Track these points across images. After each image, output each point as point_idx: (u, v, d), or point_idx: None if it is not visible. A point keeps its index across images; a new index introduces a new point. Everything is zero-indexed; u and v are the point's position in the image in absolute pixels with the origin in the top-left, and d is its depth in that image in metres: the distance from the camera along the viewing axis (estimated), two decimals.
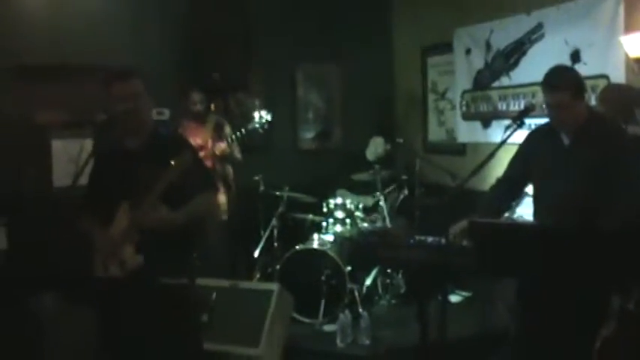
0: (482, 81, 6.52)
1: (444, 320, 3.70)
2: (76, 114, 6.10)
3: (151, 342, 3.19)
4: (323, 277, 5.53)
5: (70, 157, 5.65)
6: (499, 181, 3.88)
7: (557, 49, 5.50)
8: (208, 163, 5.39)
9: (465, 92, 6.78)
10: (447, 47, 6.95)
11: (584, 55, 5.32)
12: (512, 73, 6.13)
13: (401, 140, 7.03)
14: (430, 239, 3.67)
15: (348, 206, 6.16)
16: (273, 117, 6.14)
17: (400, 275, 6.09)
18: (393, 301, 6.04)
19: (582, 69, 4.88)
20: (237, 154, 6.06)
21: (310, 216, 6.31)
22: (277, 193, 6.29)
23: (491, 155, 3.50)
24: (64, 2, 6.29)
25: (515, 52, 6.05)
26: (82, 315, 4.12)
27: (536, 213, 3.70)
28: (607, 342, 3.16)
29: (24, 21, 6.12)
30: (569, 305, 3.30)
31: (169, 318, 3.19)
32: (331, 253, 5.61)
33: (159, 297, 3.17)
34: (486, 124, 6.52)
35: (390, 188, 6.67)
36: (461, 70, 6.80)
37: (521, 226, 3.66)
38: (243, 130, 5.90)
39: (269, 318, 4.61)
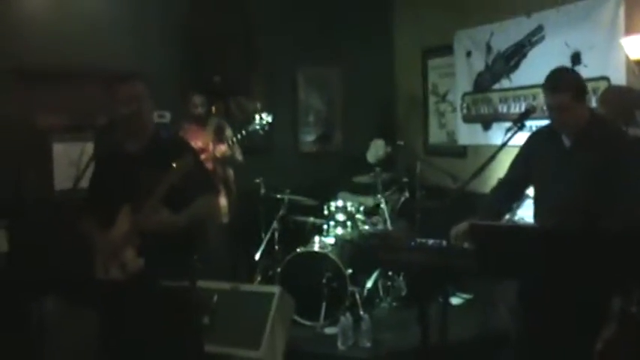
0: (483, 83, 6.52)
1: (444, 323, 3.70)
2: (77, 117, 6.11)
3: (153, 345, 3.19)
4: (324, 280, 5.53)
5: (70, 161, 5.65)
6: (500, 182, 3.88)
7: (557, 51, 5.50)
8: (209, 166, 5.39)
9: (465, 94, 6.79)
10: (447, 49, 6.95)
11: (584, 58, 5.32)
12: (512, 76, 6.14)
13: (402, 143, 7.03)
14: (431, 242, 3.67)
15: (349, 209, 6.16)
16: (274, 120, 6.14)
17: (401, 278, 6.09)
18: (394, 304, 6.03)
19: (583, 71, 4.89)
20: (239, 157, 6.06)
21: (311, 219, 6.31)
22: (278, 195, 6.29)
23: (492, 158, 3.50)
24: (66, 5, 6.30)
25: (516, 54, 6.05)
26: (84, 318, 4.13)
27: (536, 215, 3.70)
28: (608, 344, 3.16)
29: (25, 24, 6.12)
30: (570, 307, 3.30)
31: (171, 321, 3.19)
32: (332, 256, 5.61)
33: (160, 300, 3.18)
34: (487, 126, 6.52)
35: (391, 191, 6.67)
36: (461, 73, 6.81)
37: (522, 229, 3.65)
38: (243, 132, 5.90)
39: (270, 321, 4.61)
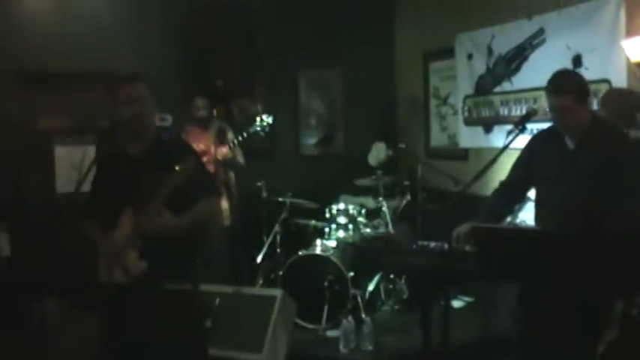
0: (484, 86, 6.52)
1: (446, 325, 3.70)
2: (79, 120, 6.12)
3: (155, 348, 3.19)
4: (326, 283, 5.53)
5: (72, 164, 5.68)
6: (502, 184, 3.89)
7: (558, 53, 5.50)
8: (210, 169, 5.40)
9: (466, 97, 6.79)
10: (448, 52, 6.95)
11: (585, 60, 5.32)
12: (513, 78, 6.14)
13: (403, 145, 7.03)
14: (433, 244, 3.68)
15: (351, 212, 6.17)
16: (275, 122, 6.15)
17: (403, 281, 6.09)
18: (396, 307, 6.04)
19: (584, 74, 4.85)
20: (240, 159, 6.06)
21: (313, 222, 6.31)
22: (280, 199, 6.30)
23: (494, 160, 3.50)
24: (66, 7, 6.31)
25: (517, 57, 6.06)
26: (86, 320, 4.13)
27: (538, 217, 3.70)
28: (610, 347, 3.16)
29: (26, 26, 6.13)
30: (571, 310, 3.30)
31: (173, 323, 3.19)
32: (334, 259, 5.61)
33: (162, 302, 3.17)
34: (488, 129, 6.52)
35: (393, 194, 6.67)
36: (463, 76, 6.81)
37: (523, 231, 3.66)
38: (244, 134, 5.90)
39: (272, 324, 4.61)
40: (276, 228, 6.22)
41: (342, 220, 6.14)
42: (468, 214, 3.62)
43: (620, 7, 5.00)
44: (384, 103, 7.88)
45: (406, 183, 6.64)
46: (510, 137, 3.52)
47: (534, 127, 4.33)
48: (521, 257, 3.21)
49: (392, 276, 6.07)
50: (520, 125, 3.57)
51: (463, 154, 6.92)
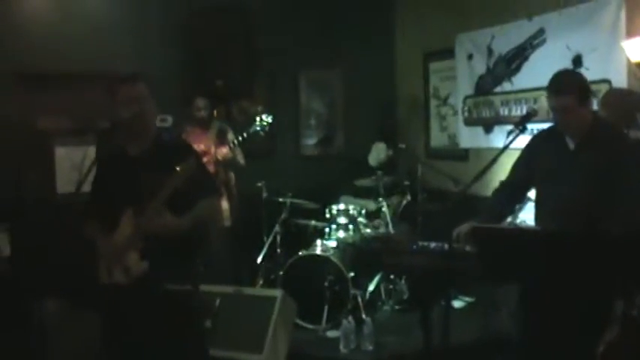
0: (484, 86, 6.53)
1: (446, 326, 3.70)
2: (79, 120, 6.12)
3: (155, 348, 3.19)
4: (326, 283, 5.53)
5: (73, 164, 5.69)
6: (502, 184, 3.89)
7: (559, 54, 5.51)
8: (211, 169, 5.39)
9: (466, 98, 6.79)
10: (448, 53, 6.96)
11: (586, 60, 5.33)
12: (514, 79, 6.14)
13: (403, 146, 7.04)
14: (433, 245, 3.68)
15: (351, 212, 6.17)
16: (276, 123, 6.15)
17: (403, 281, 6.09)
18: (396, 307, 6.04)
19: (584, 74, 4.87)
20: (241, 160, 6.06)
21: (313, 222, 6.31)
22: (280, 199, 6.30)
23: (494, 161, 3.50)
24: (67, 8, 6.32)
25: (517, 57, 6.06)
26: (86, 321, 4.13)
27: (538, 217, 3.70)
28: (610, 347, 3.16)
29: (26, 26, 6.14)
30: (572, 310, 3.30)
31: (173, 324, 3.19)
32: (334, 259, 5.61)
33: (163, 303, 3.17)
34: (488, 129, 6.53)
35: (393, 194, 6.67)
36: (463, 76, 6.81)
37: (524, 231, 3.66)
38: (244, 134, 5.90)
39: (272, 324, 4.61)
40: (277, 228, 6.23)
41: (342, 220, 6.14)
42: (468, 215, 3.62)
43: (620, 7, 5.01)
44: (384, 103, 7.88)
45: (406, 183, 6.65)
46: (510, 137, 3.52)
47: (534, 127, 4.33)
48: (521, 257, 3.21)
49: (392, 276, 6.06)
50: (520, 125, 3.57)
51: (463, 155, 6.93)
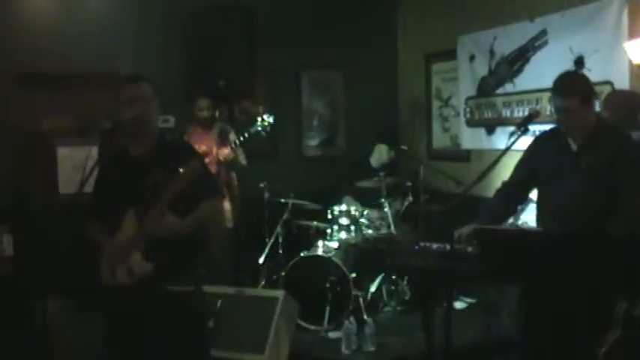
0: (486, 88, 6.53)
1: (448, 327, 3.70)
2: (82, 121, 6.13)
3: (158, 349, 3.19)
4: (328, 284, 5.53)
5: (75, 165, 5.70)
6: (504, 184, 3.89)
7: (561, 55, 5.50)
8: (212, 169, 5.39)
9: (468, 99, 6.79)
10: (450, 54, 6.96)
11: (588, 62, 5.33)
12: (516, 80, 6.14)
13: (405, 147, 7.04)
14: (435, 246, 3.68)
15: (353, 213, 6.17)
16: (278, 124, 6.15)
17: (405, 282, 6.09)
18: (398, 308, 6.04)
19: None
20: (242, 161, 6.05)
21: (315, 223, 6.31)
22: (282, 200, 6.31)
23: (496, 162, 3.50)
24: (70, 10, 6.33)
25: (519, 58, 6.06)
26: (88, 321, 4.13)
27: (540, 218, 3.70)
28: (612, 348, 3.15)
29: (29, 29, 6.15)
30: (574, 311, 3.30)
31: (175, 325, 3.19)
32: (336, 260, 5.61)
33: (165, 304, 3.18)
34: (490, 130, 6.52)
35: (395, 195, 6.67)
36: (465, 77, 6.81)
37: (526, 232, 3.66)
38: (246, 135, 5.90)
39: (274, 325, 4.61)
40: (279, 229, 6.23)
41: (344, 221, 6.14)
42: (470, 216, 3.62)
43: (622, 8, 5.01)
44: (386, 104, 7.88)
45: (408, 184, 6.64)
46: (512, 139, 3.52)
47: (536, 128, 4.34)
48: (523, 258, 3.21)
49: (394, 277, 6.06)
50: (522, 127, 3.57)
51: (465, 156, 6.93)
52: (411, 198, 6.61)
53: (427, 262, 3.64)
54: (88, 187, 3.32)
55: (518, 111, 6.10)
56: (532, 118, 3.69)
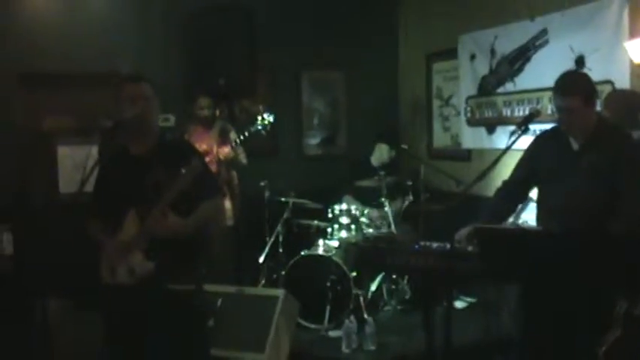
0: (487, 87, 6.52)
1: (448, 326, 3.70)
2: (82, 120, 6.14)
3: (158, 348, 3.19)
4: (328, 283, 5.53)
5: (75, 164, 5.70)
6: (505, 183, 3.89)
7: (561, 54, 5.50)
8: (213, 168, 5.40)
9: (469, 98, 6.79)
10: (451, 53, 6.96)
11: (588, 61, 5.32)
12: (516, 79, 6.14)
13: (406, 146, 7.04)
14: (435, 245, 3.68)
15: (353, 212, 6.17)
16: (278, 123, 6.14)
17: (405, 281, 6.09)
18: (399, 307, 6.04)
19: None
20: (243, 159, 6.04)
21: (315, 222, 6.32)
22: (282, 199, 6.31)
23: (496, 161, 3.50)
24: (70, 9, 6.33)
25: (520, 57, 6.06)
26: (89, 320, 4.14)
27: (540, 217, 3.70)
28: (612, 347, 3.16)
29: (30, 28, 6.15)
30: (574, 310, 3.30)
31: (176, 323, 3.19)
32: (336, 259, 5.61)
33: (166, 303, 3.18)
34: (491, 129, 6.52)
35: (395, 194, 6.67)
36: (465, 76, 6.81)
37: (526, 231, 3.66)
38: (246, 133, 5.89)
39: (274, 324, 4.61)
40: (279, 228, 6.23)
41: (344, 220, 6.14)
42: (470, 215, 3.62)
43: (623, 8, 5.00)
44: (386, 103, 7.88)
45: (409, 183, 6.64)
46: (513, 138, 3.52)
47: (537, 127, 4.33)
48: (523, 258, 3.21)
49: (394, 276, 6.06)
50: (523, 126, 3.57)
51: (466, 155, 6.92)
52: (411, 197, 6.61)
53: (427, 261, 3.64)
54: (89, 187, 3.33)
55: (519, 110, 6.09)
56: (533, 117, 3.69)
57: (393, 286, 6.11)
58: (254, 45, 6.67)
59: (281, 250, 6.20)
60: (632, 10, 4.97)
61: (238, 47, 6.61)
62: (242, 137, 5.87)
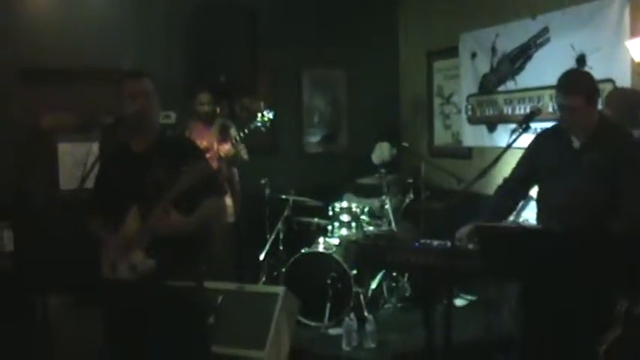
0: (488, 85, 6.52)
1: (448, 324, 3.70)
2: (83, 117, 6.13)
3: (158, 345, 3.19)
4: (328, 281, 5.54)
5: (76, 160, 5.70)
6: (505, 181, 3.89)
7: (562, 53, 5.50)
8: (214, 165, 5.39)
9: (470, 96, 6.79)
10: (452, 51, 6.95)
11: (589, 60, 5.32)
12: (517, 77, 6.13)
13: (406, 144, 7.04)
14: (436, 243, 3.68)
15: (354, 210, 6.17)
16: (279, 121, 6.14)
17: (406, 279, 6.09)
18: (399, 305, 6.04)
19: None
20: (245, 155, 6.03)
21: (316, 219, 6.32)
22: (283, 196, 6.31)
23: (497, 159, 3.50)
24: (71, 6, 6.32)
25: (521, 56, 6.05)
26: (89, 317, 4.14)
27: (540, 215, 3.70)
28: (613, 346, 3.16)
29: (31, 25, 6.15)
30: (575, 309, 3.30)
31: (176, 320, 3.19)
32: (337, 257, 5.61)
33: (166, 299, 3.18)
34: (492, 128, 6.52)
35: (396, 192, 6.67)
36: (466, 74, 6.81)
37: (526, 230, 3.66)
38: (246, 130, 5.89)
39: (275, 321, 4.61)
40: (279, 225, 6.23)
41: (345, 218, 6.14)
42: (471, 213, 3.62)
43: (624, 7, 5.00)
44: (387, 101, 7.88)
45: (409, 181, 6.65)
46: (514, 136, 3.52)
47: (538, 126, 4.33)
48: (524, 256, 3.21)
49: (395, 274, 6.07)
50: (524, 124, 3.57)
51: (467, 153, 6.92)
52: (412, 195, 6.62)
53: (428, 259, 3.64)
54: (89, 183, 3.33)
55: (520, 108, 6.09)
56: (533, 115, 3.69)
57: (394, 284, 6.12)
58: (256, 44, 6.69)
59: (281, 248, 6.20)
60: (633, 9, 4.96)
61: (240, 46, 6.63)
62: (242, 134, 5.87)
